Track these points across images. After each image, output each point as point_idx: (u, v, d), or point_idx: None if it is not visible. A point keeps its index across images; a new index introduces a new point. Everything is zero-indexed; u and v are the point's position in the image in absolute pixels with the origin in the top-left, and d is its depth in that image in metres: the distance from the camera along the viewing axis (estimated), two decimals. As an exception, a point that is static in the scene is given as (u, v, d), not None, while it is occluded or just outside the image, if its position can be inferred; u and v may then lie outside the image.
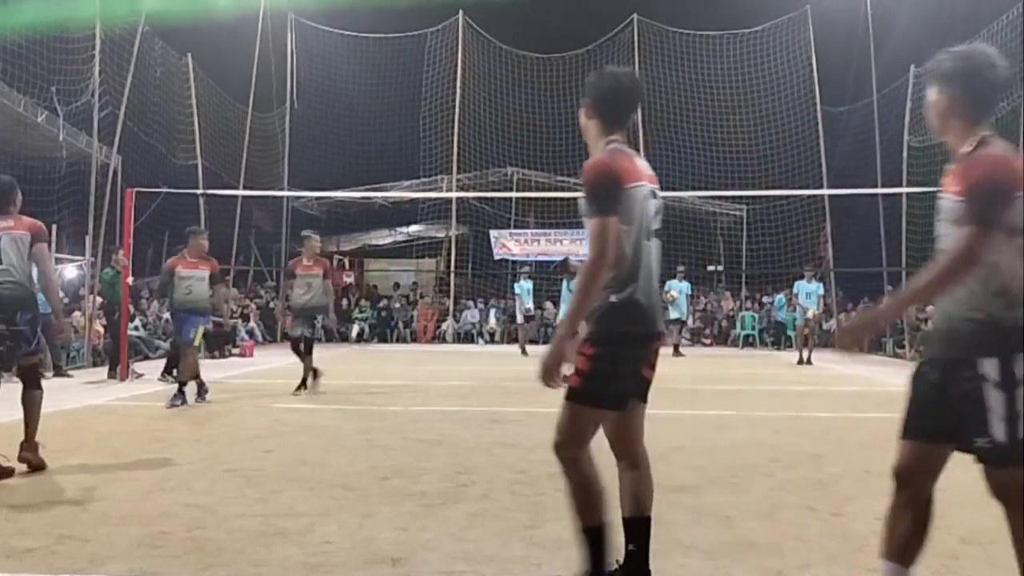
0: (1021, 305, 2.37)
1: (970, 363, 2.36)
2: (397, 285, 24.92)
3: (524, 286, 17.04)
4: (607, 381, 2.75)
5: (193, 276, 8.45)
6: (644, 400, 2.93)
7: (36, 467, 5.01)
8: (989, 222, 2.30)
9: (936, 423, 2.47)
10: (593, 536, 2.78)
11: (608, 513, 2.80)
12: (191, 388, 8.42)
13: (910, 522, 2.57)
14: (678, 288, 17.22)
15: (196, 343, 8.65)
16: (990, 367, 2.33)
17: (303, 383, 9.22)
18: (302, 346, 9.24)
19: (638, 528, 2.86)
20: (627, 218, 2.72)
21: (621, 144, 2.88)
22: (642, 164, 2.89)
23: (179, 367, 8.80)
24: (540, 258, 22.47)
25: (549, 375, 2.69)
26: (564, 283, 11.91)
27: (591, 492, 2.77)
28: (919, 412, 2.52)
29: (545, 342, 17.55)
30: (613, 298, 2.72)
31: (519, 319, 17.40)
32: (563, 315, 11.50)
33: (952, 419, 2.42)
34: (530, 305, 17.31)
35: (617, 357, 2.74)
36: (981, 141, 2.47)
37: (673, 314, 17.18)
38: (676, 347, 17.11)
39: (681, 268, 18.33)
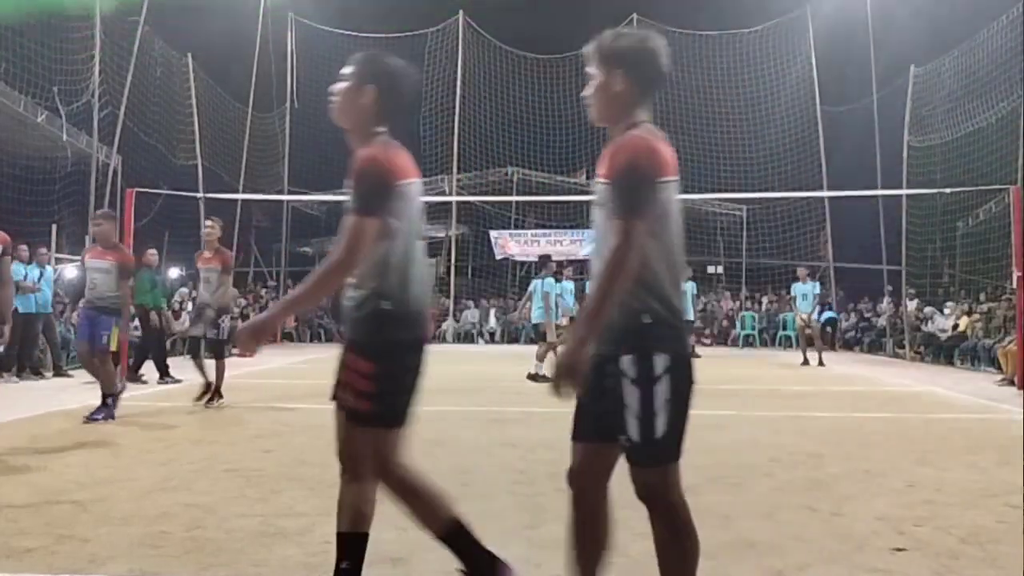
0: (663, 300, 2.28)
1: (615, 359, 2.28)
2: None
3: (566, 286, 16.19)
4: (396, 396, 2.59)
5: (98, 268, 7.34)
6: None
7: None
8: (639, 212, 2.22)
9: (596, 422, 2.38)
10: (456, 535, 2.69)
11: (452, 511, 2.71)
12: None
13: (590, 529, 2.46)
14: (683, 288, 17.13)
15: (113, 348, 7.55)
16: (628, 363, 2.25)
17: (215, 390, 8.26)
18: (204, 348, 8.40)
19: (457, 536, 2.74)
20: (400, 216, 2.56)
21: (389, 137, 2.71)
22: (411, 158, 2.73)
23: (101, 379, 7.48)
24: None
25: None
26: (539, 282, 11.69)
27: (425, 498, 2.66)
28: (581, 412, 2.43)
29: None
30: (387, 305, 2.52)
31: (563, 320, 16.47)
32: (537, 317, 11.40)
33: (607, 417, 2.33)
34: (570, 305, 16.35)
35: (402, 368, 2.56)
36: (633, 125, 2.38)
37: None
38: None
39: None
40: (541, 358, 11.01)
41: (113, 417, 7.21)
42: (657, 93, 2.50)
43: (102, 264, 7.31)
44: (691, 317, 17.70)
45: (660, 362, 2.25)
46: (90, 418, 7.06)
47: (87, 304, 7.36)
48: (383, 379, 2.55)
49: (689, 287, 17.43)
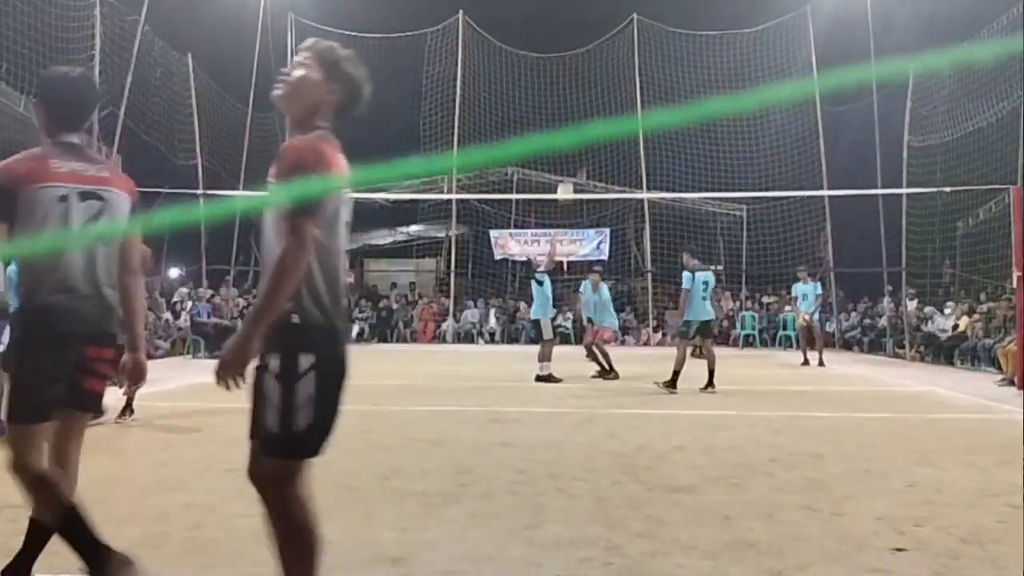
0: (316, 301, 2.30)
1: (264, 358, 2.32)
2: (394, 285, 24.92)
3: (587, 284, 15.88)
4: (21, 394, 2.65)
5: None
6: (83, 409, 2.83)
7: None
8: (307, 211, 2.24)
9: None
10: (68, 524, 2.72)
11: (69, 496, 2.76)
12: None
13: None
14: None
15: None
16: (273, 361, 2.29)
17: None
18: None
19: (38, 532, 2.80)
20: (30, 219, 2.65)
21: (65, 143, 2.79)
22: (77, 165, 2.76)
23: None
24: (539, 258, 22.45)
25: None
26: (533, 284, 11.68)
27: (45, 488, 2.73)
28: (252, 412, 2.44)
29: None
30: (14, 302, 2.69)
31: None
32: (534, 316, 11.50)
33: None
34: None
35: (26, 366, 2.59)
36: (312, 129, 2.44)
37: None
38: (699, 348, 17.05)
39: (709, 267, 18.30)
40: (543, 358, 10.96)
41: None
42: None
43: None
44: (711, 316, 17.39)
45: (304, 361, 2.28)
46: None
47: None
48: (13, 376, 2.66)
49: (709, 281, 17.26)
